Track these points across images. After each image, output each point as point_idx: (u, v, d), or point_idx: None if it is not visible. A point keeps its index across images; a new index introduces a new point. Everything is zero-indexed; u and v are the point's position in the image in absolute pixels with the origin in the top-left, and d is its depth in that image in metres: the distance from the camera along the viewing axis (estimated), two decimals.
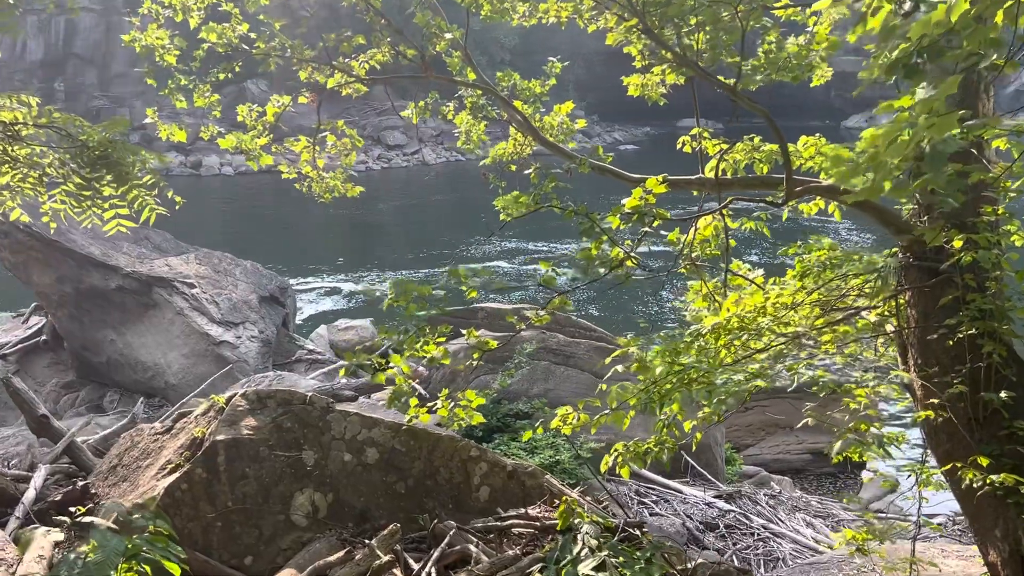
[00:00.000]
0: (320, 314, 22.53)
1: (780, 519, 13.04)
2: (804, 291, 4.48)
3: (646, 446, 5.63)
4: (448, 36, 6.14)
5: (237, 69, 6.15)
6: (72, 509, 5.74)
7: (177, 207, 5.51)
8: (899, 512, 14.62)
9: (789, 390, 4.91)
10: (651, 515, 12.60)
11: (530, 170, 4.49)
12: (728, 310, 4.65)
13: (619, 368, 6.17)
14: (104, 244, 15.93)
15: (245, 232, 33.55)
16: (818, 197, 5.20)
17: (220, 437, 6.57)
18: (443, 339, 5.53)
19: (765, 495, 13.59)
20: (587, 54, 55.16)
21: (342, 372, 7.58)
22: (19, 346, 16.51)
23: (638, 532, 6.71)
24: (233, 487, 6.62)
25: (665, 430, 5.51)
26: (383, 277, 27.23)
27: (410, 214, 41.08)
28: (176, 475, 6.47)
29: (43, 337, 16.56)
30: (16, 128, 4.49)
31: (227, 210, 39.44)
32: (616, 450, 5.82)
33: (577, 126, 6.96)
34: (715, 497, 13.38)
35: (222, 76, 6.12)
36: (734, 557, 11.78)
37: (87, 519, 5.32)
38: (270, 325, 16.41)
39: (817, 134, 5.41)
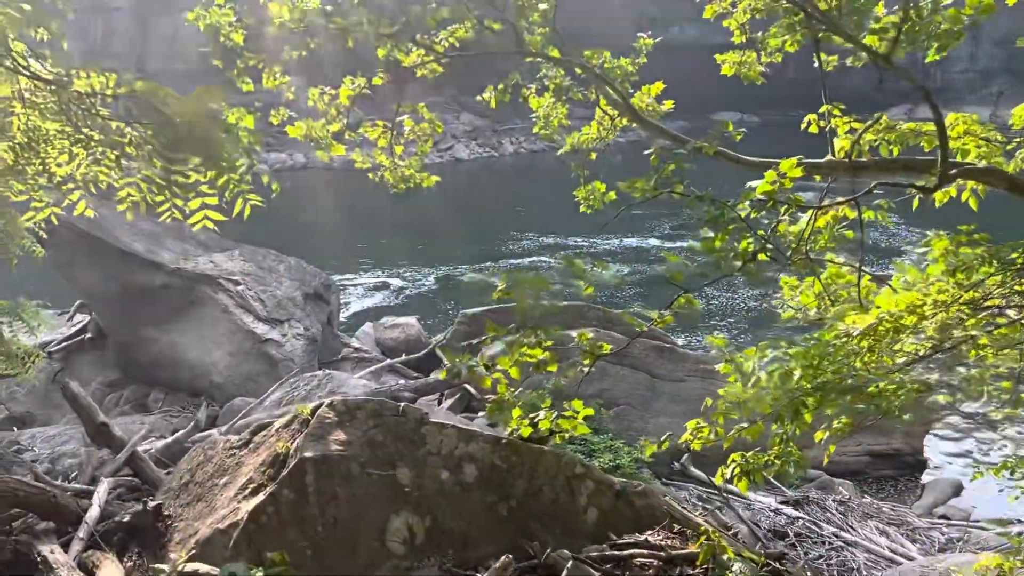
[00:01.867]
0: (364, 311, 22.17)
1: (851, 526, 12.42)
2: (958, 288, 3.95)
3: (767, 458, 5.08)
4: (542, 6, 5.62)
5: (312, 45, 5.71)
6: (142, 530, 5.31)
7: (274, 195, 5.04)
8: (964, 516, 13.96)
9: (966, 404, 4.36)
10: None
11: (649, 151, 4.00)
12: (879, 308, 4.11)
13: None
14: (148, 241, 15.67)
15: (287, 228, 33.30)
16: (973, 182, 4.65)
17: (308, 454, 5.97)
18: (550, 342, 5.02)
19: (834, 501, 12.96)
20: (619, 45, 54.42)
21: (442, 374, 6.94)
22: (64, 344, 16.31)
23: (777, 565, 6.12)
24: (324, 510, 6.00)
25: (790, 443, 4.95)
26: (425, 273, 26.84)
27: (446, 210, 40.72)
28: (260, 497, 5.90)
29: (88, 335, 16.34)
30: (92, 101, 4.03)
31: (269, 206, 39.25)
32: (734, 460, 5.28)
33: (664, 107, 6.44)
34: (781, 503, 12.80)
35: (295, 54, 5.69)
36: (807, 568, 11.20)
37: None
38: (315, 323, 16.06)
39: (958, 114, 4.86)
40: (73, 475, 7.49)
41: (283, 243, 18.77)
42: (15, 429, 14.90)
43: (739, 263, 3.81)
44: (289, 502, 5.94)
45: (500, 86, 6.73)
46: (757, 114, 58.32)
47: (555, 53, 5.97)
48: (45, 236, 8.04)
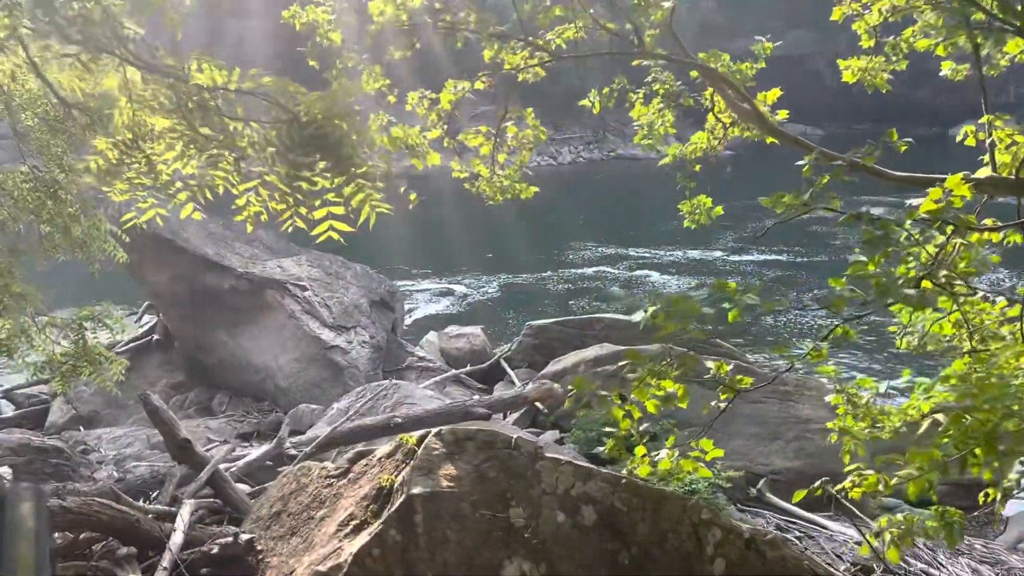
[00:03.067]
0: (426, 318, 21.95)
1: (940, 563, 11.71)
2: None
3: (920, 519, 4.52)
4: (666, 4, 5.22)
5: (417, 45, 5.40)
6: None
7: (412, 205, 4.72)
8: None
9: None
10: None
11: (803, 162, 3.58)
12: None
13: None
14: (217, 244, 15.65)
15: (348, 234, 33.32)
16: None
17: (417, 490, 5.46)
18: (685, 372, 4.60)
19: None
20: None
21: (567, 402, 6.42)
22: (131, 345, 16.36)
23: None
24: (433, 553, 5.50)
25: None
26: (487, 280, 26.55)
27: (506, 217, 40.43)
28: (365, 537, 5.43)
29: (155, 336, 16.38)
30: (210, 96, 3.72)
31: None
32: (883, 522, 4.72)
33: (780, 116, 5.99)
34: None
35: (398, 55, 5.37)
36: None
37: None
38: (381, 330, 15.86)
39: None
40: (154, 495, 7.23)
41: (344, 248, 18.67)
42: (81, 429, 14.97)
43: (906, 290, 3.36)
44: (396, 544, 5.45)
45: (605, 90, 6.34)
46: (821, 127, 57.05)
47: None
48: (127, 239, 7.88)
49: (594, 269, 28.43)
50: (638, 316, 4.20)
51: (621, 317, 15.33)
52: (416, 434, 5.62)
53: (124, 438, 14.52)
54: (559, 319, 15.56)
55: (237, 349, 15.16)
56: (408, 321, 21.01)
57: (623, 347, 13.61)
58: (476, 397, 10.37)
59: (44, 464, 11.75)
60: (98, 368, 6.92)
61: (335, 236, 4.32)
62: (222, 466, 6.84)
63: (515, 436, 5.87)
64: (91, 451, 13.85)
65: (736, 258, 30.40)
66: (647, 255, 30.83)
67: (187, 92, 3.70)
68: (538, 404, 12.62)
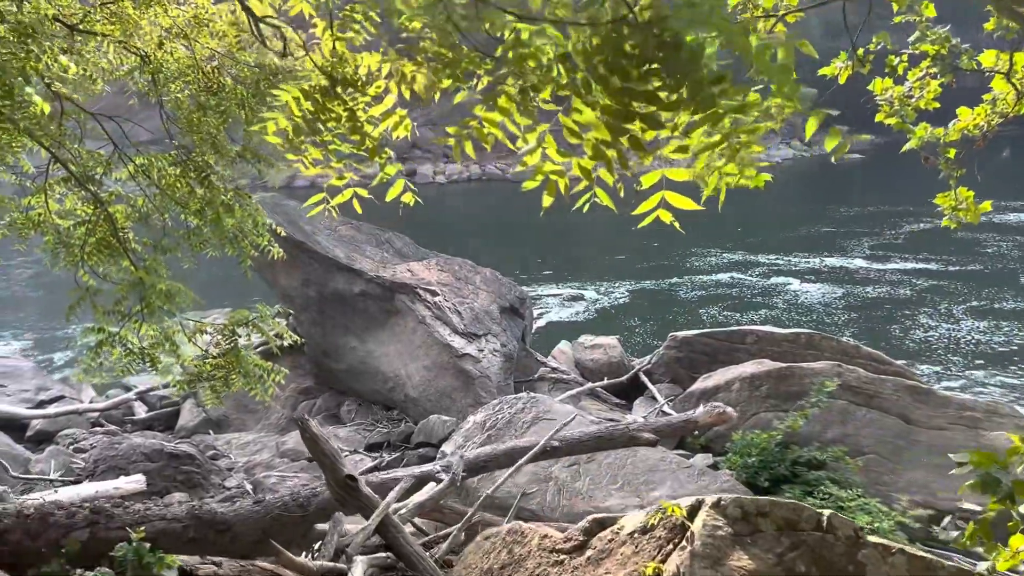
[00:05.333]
0: (552, 326, 21.08)
1: None
2: None
3: None
4: None
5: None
6: None
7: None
8: None
9: None
10: None
11: None
12: None
13: None
14: (348, 246, 15.24)
15: (461, 239, 33.00)
16: None
17: None
18: None
19: None
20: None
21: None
22: (259, 348, 16.11)
23: None
24: None
25: None
26: (616, 287, 25.49)
27: (623, 221, 39.33)
28: None
29: (285, 340, 16.07)
30: None
31: (442, 217, 39.28)
32: None
33: None
34: None
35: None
36: None
37: None
38: (512, 339, 15.07)
39: None
40: (317, 546, 6.52)
41: (464, 253, 18.01)
42: (211, 433, 14.79)
43: None
44: None
45: (859, 52, 5.21)
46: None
47: (930, 9, 4.45)
48: (283, 233, 7.24)
49: (727, 276, 26.93)
50: None
51: (776, 330, 14.01)
52: (684, 502, 4.30)
53: (253, 444, 14.25)
54: (705, 330, 14.36)
55: (366, 355, 14.67)
56: (533, 328, 20.21)
57: (783, 364, 12.36)
58: (639, 419, 9.34)
59: (176, 471, 11.49)
60: (251, 379, 6.33)
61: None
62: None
63: (826, 513, 4.39)
64: (220, 456, 13.61)
65: (879, 266, 28.31)
66: (780, 262, 29.09)
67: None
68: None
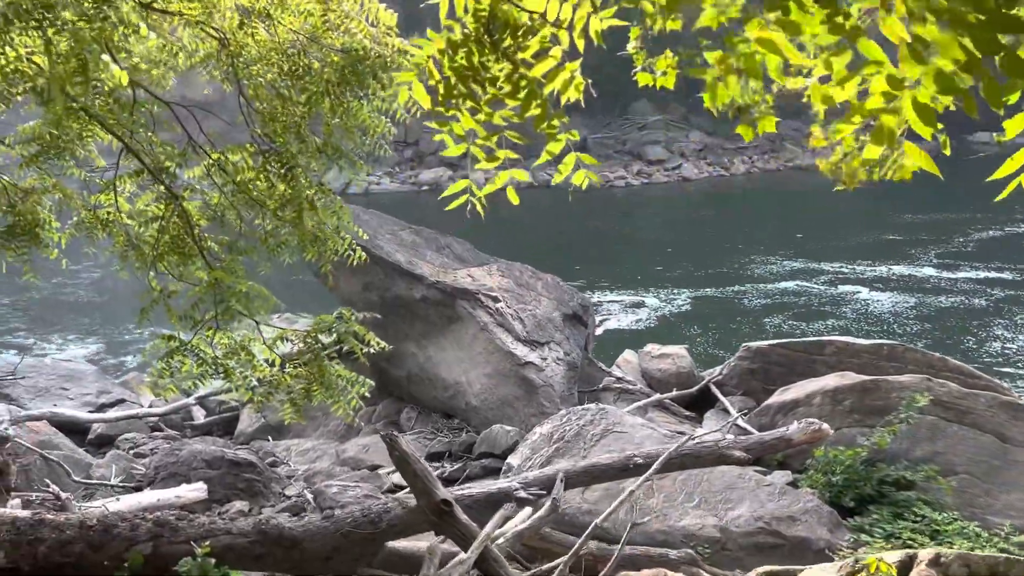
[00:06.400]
0: (611, 334, 20.55)
1: None
2: None
3: None
4: None
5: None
6: None
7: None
8: None
9: None
10: None
11: None
12: None
13: None
14: (409, 251, 14.95)
15: (518, 243, 32.63)
16: None
17: None
18: None
19: None
20: None
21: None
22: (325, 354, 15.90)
23: None
24: None
25: None
26: (677, 294, 24.85)
27: (679, 229, 38.68)
28: None
29: (344, 346, 15.84)
30: None
31: (497, 222, 38.98)
32: None
33: None
34: None
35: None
36: None
37: None
38: (575, 347, 14.62)
39: None
40: None
41: (520, 259, 17.58)
42: (270, 439, 14.61)
43: None
44: None
45: None
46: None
47: None
48: (365, 236, 6.91)
49: (791, 284, 26.12)
50: None
51: (857, 340, 13.33)
52: (889, 557, 3.73)
53: (312, 451, 14.01)
54: (781, 341, 13.72)
55: (427, 362, 14.34)
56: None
57: (867, 377, 11.68)
58: (729, 438, 8.78)
59: (237, 479, 11.27)
60: (334, 392, 5.98)
61: None
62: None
63: None
64: (280, 463, 13.39)
65: (950, 275, 27.22)
66: (846, 270, 28.15)
67: None
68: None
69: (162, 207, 5.14)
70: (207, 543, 6.13)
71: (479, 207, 3.50)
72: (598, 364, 15.56)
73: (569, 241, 34.10)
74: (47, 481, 9.56)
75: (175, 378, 5.24)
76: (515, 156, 3.23)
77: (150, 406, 15.16)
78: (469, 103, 2.84)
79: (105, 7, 3.77)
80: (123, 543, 6.33)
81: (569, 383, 13.94)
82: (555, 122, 2.94)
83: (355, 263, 8.24)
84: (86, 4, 3.78)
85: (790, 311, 22.90)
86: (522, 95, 2.79)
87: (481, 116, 2.94)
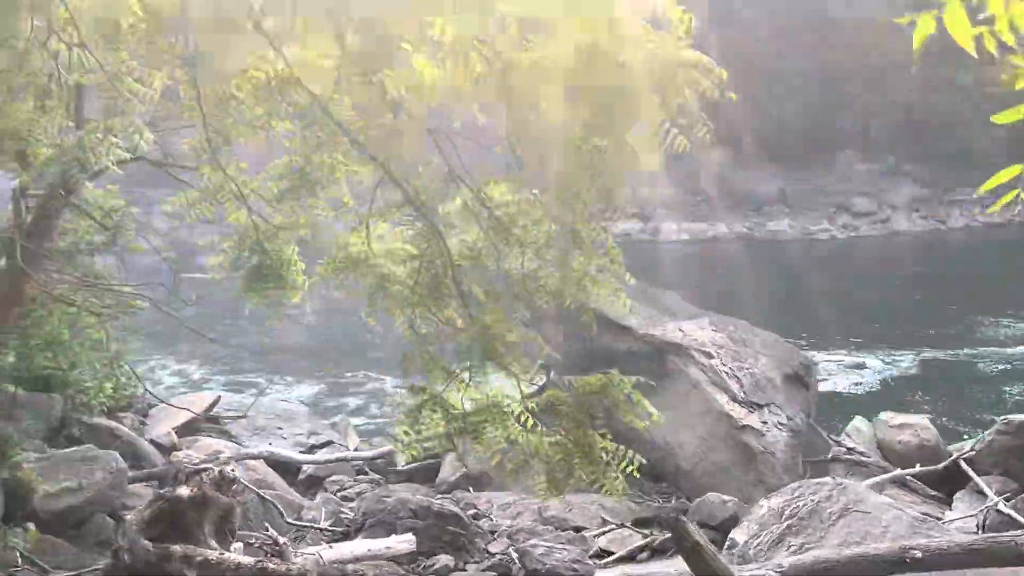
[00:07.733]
0: (831, 397, 18.83)
1: None
2: None
3: None
4: None
5: None
6: None
7: None
8: None
9: None
10: None
11: None
12: None
13: None
14: None
15: (720, 298, 31.23)
16: None
17: None
18: None
19: None
20: (864, 30, 44.39)
21: None
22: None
23: None
24: None
25: None
26: (901, 357, 22.61)
27: (894, 285, 35.76)
28: None
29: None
30: None
31: (688, 275, 37.64)
32: None
33: None
34: None
35: None
36: None
37: None
38: (798, 411, 13.38)
39: None
40: None
41: (721, 311, 16.38)
42: (470, 490, 14.29)
43: None
44: None
45: None
46: None
47: None
48: (632, 281, 6.40)
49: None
50: None
51: None
52: None
53: (513, 506, 13.52)
54: None
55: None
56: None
57: None
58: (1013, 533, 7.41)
59: (442, 531, 10.94)
60: (598, 468, 5.44)
61: None
62: None
63: None
64: (482, 516, 13.00)
65: None
66: None
67: None
68: None
69: (420, 245, 4.79)
70: None
71: None
72: (819, 431, 14.17)
73: (772, 292, 32.15)
74: (266, 525, 9.63)
75: (421, 436, 4.81)
76: None
77: (355, 449, 15.32)
78: None
79: None
80: None
81: (792, 451, 12.71)
82: None
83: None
84: None
85: None
86: None
87: None
